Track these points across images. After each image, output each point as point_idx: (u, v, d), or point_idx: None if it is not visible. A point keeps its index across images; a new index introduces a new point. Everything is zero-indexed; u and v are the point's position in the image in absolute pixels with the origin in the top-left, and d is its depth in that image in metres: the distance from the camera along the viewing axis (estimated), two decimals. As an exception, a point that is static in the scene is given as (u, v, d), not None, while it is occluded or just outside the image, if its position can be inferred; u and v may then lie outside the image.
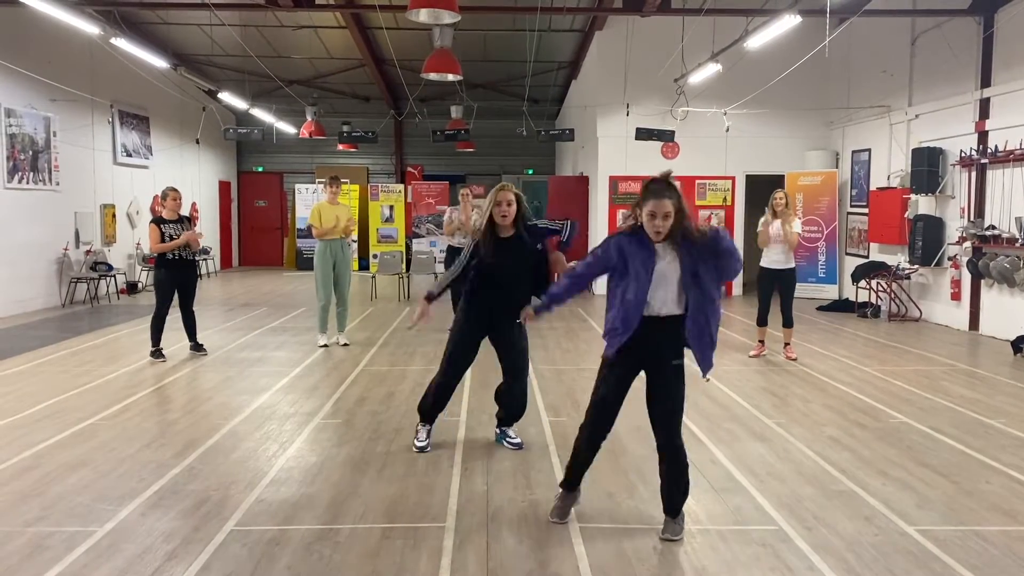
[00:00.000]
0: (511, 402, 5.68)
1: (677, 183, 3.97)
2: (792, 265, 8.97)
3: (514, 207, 5.38)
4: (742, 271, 15.40)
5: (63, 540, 4.08)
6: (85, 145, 14.49)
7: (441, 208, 17.33)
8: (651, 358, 4.11)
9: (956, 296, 11.40)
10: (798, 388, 7.61)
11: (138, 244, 16.32)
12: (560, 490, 4.40)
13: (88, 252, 14.36)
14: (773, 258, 8.94)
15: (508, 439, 5.71)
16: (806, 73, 12.55)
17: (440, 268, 14.26)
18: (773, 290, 9.03)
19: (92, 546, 4.01)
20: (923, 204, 12.09)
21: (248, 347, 9.68)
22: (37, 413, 6.55)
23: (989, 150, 10.62)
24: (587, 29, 15.70)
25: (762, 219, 9.06)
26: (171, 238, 8.72)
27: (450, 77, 12.19)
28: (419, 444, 5.63)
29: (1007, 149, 10.25)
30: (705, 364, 4.11)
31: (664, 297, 3.96)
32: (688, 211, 3.93)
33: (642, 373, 4.19)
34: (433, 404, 5.71)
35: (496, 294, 5.39)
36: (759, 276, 9.20)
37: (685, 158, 15.29)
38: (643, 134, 13.93)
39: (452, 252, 10.90)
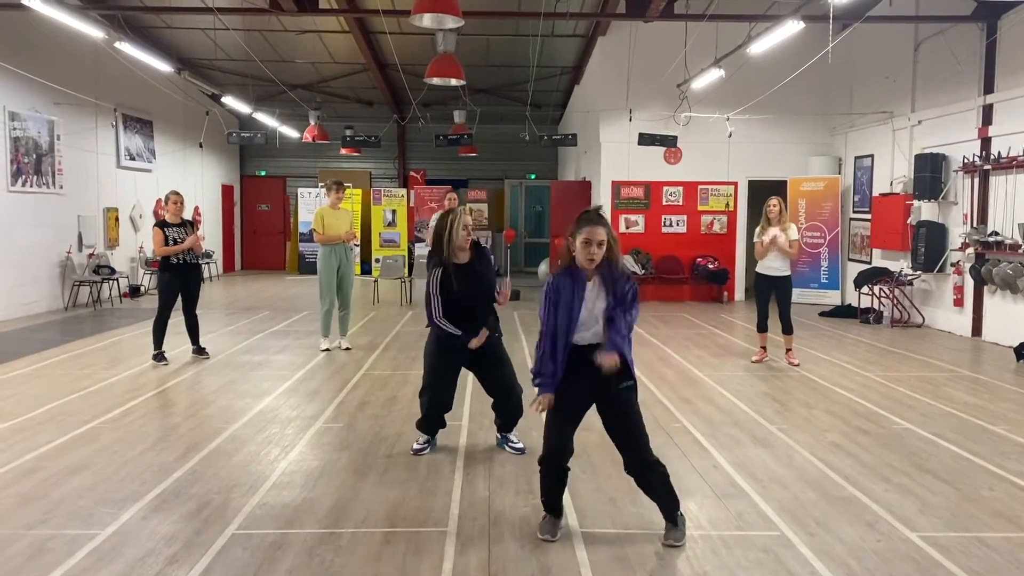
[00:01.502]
0: (508, 411, 5.72)
1: (607, 216, 4.11)
2: (788, 272, 8.94)
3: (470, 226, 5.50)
4: (743, 277, 15.47)
5: (65, 543, 4.08)
6: (89, 149, 14.51)
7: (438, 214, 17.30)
8: (595, 389, 4.09)
9: (959, 302, 11.38)
10: (800, 394, 7.60)
11: (141, 247, 16.34)
12: (545, 513, 4.31)
13: (91, 255, 14.38)
14: (769, 264, 8.91)
15: (510, 444, 5.72)
16: (809, 79, 12.55)
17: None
18: (770, 296, 9.01)
19: (94, 549, 4.01)
20: (926, 210, 12.07)
21: (250, 351, 9.68)
22: (39, 416, 6.56)
23: (992, 156, 10.62)
24: (590, 34, 15.72)
25: (757, 230, 9.04)
26: (175, 241, 8.73)
27: (453, 82, 12.21)
28: (416, 447, 5.67)
29: (1010, 155, 10.24)
30: (610, 346, 3.99)
31: (593, 329, 4.04)
32: (617, 246, 4.04)
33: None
34: (428, 428, 5.75)
35: (464, 319, 5.45)
36: (756, 282, 9.20)
37: (688, 163, 15.31)
38: (646, 139, 13.93)
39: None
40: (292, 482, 5.03)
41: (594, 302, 4.02)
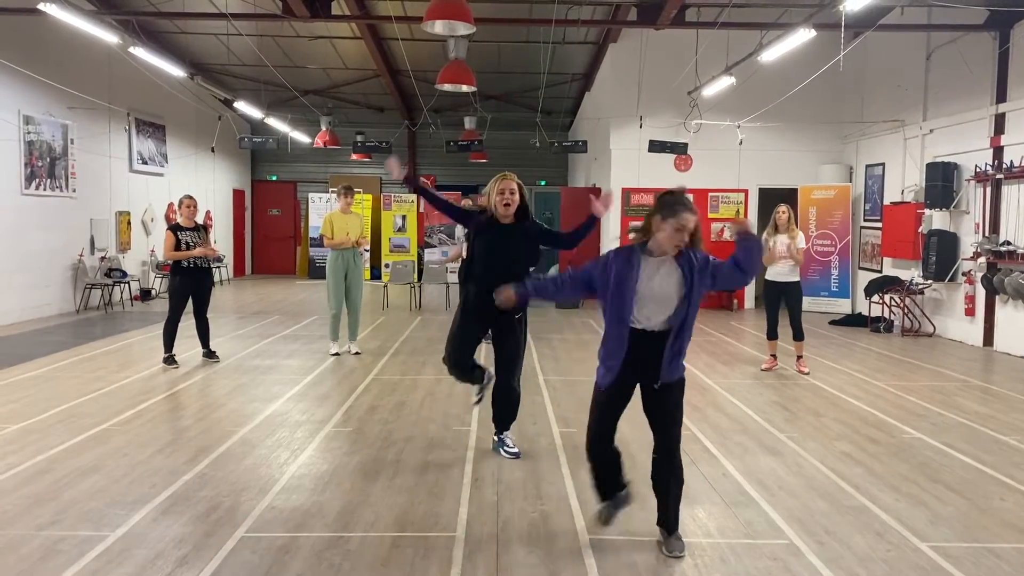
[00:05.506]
0: (501, 400, 5.69)
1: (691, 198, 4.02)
2: (796, 278, 8.93)
3: (517, 195, 5.41)
4: (753, 284, 15.43)
5: (76, 544, 4.10)
6: (102, 152, 14.61)
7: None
8: (645, 374, 4.05)
9: (970, 312, 11.32)
10: (810, 402, 7.58)
11: (152, 251, 16.43)
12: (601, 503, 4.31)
13: (103, 259, 14.46)
14: (777, 271, 8.91)
15: (505, 447, 5.70)
16: (820, 87, 12.55)
17: (452, 278, 14.25)
18: (779, 303, 9.00)
19: (104, 551, 4.03)
20: (937, 219, 12.04)
21: (260, 355, 9.72)
22: (51, 418, 6.60)
23: (1004, 165, 10.58)
24: (601, 41, 15.75)
25: (763, 234, 9.03)
26: (187, 245, 8.78)
27: (464, 88, 12.26)
28: (474, 399, 5.95)
29: (1022, 164, 10.20)
30: (669, 374, 4.02)
31: (655, 311, 3.95)
32: (700, 230, 4.00)
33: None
34: (460, 376, 5.81)
35: (492, 280, 5.37)
36: (764, 289, 9.19)
37: (698, 171, 15.29)
38: (656, 146, 13.93)
39: None
40: (301, 486, 5.04)
41: (663, 279, 3.92)
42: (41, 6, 9.35)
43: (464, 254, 10.74)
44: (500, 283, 5.37)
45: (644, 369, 4.01)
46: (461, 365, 5.69)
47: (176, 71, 13.64)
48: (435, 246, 19.68)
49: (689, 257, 3.94)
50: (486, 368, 5.88)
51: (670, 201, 3.91)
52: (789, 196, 13.90)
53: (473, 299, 5.50)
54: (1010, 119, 10.70)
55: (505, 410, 5.72)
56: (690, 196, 4.03)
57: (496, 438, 5.79)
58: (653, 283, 3.92)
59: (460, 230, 11.11)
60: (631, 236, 4.10)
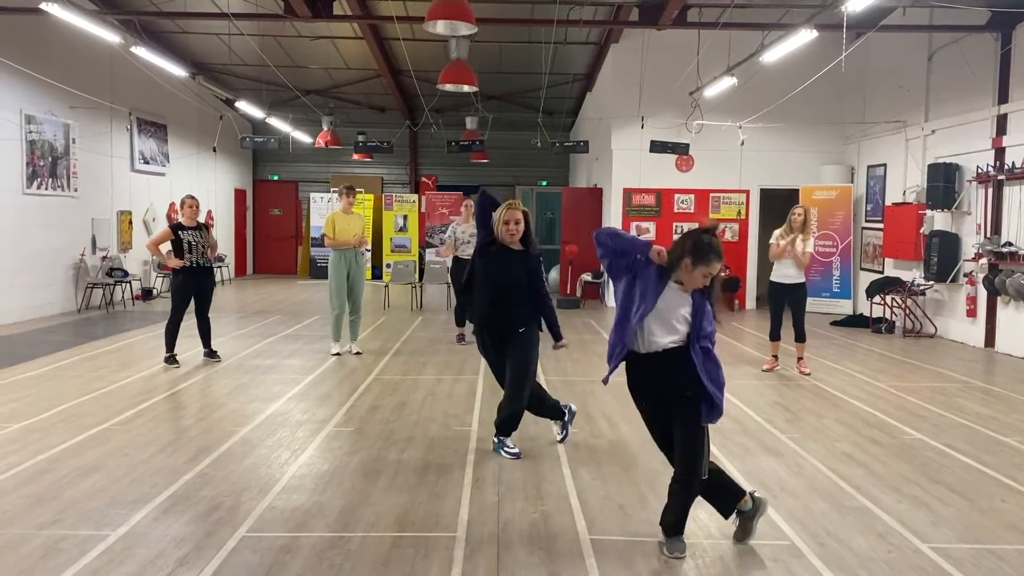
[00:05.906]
0: (504, 410, 5.74)
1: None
2: (803, 280, 8.92)
3: (522, 225, 5.51)
4: (755, 285, 15.42)
5: (76, 544, 4.10)
6: (103, 152, 14.62)
7: (454, 217, 17.35)
8: (659, 393, 4.10)
9: (972, 313, 11.31)
10: (811, 403, 7.57)
11: (154, 251, 16.43)
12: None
13: (104, 258, 14.47)
14: (784, 272, 8.88)
15: (506, 448, 5.71)
16: (822, 87, 12.53)
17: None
18: (784, 304, 8.98)
19: (105, 550, 4.03)
20: (939, 220, 12.02)
21: (261, 354, 9.72)
22: (52, 417, 6.60)
23: (1006, 166, 10.57)
24: (603, 42, 15.74)
25: (776, 232, 9.02)
26: (190, 244, 8.80)
27: (466, 88, 12.26)
28: (557, 437, 6.05)
29: (1024, 166, 10.21)
30: (707, 409, 3.99)
31: (658, 329, 3.99)
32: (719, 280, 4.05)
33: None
34: (534, 412, 6.01)
35: (495, 302, 5.57)
36: (769, 290, 9.16)
37: (699, 171, 15.28)
38: (657, 147, 13.92)
39: (458, 263, 10.77)
40: (302, 486, 5.04)
41: (674, 303, 3.98)
42: (43, 6, 9.36)
43: (457, 251, 10.76)
44: (497, 303, 5.58)
45: (660, 391, 4.07)
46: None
47: (178, 71, 13.64)
48: (436, 246, 19.68)
49: (703, 304, 4.01)
50: (564, 403, 6.12)
51: (704, 248, 3.92)
52: (790, 197, 13.90)
53: (487, 336, 5.74)
54: (1012, 120, 10.69)
55: (506, 420, 5.74)
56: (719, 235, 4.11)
57: (496, 439, 5.80)
58: (664, 300, 3.98)
59: (453, 228, 11.05)
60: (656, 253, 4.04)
